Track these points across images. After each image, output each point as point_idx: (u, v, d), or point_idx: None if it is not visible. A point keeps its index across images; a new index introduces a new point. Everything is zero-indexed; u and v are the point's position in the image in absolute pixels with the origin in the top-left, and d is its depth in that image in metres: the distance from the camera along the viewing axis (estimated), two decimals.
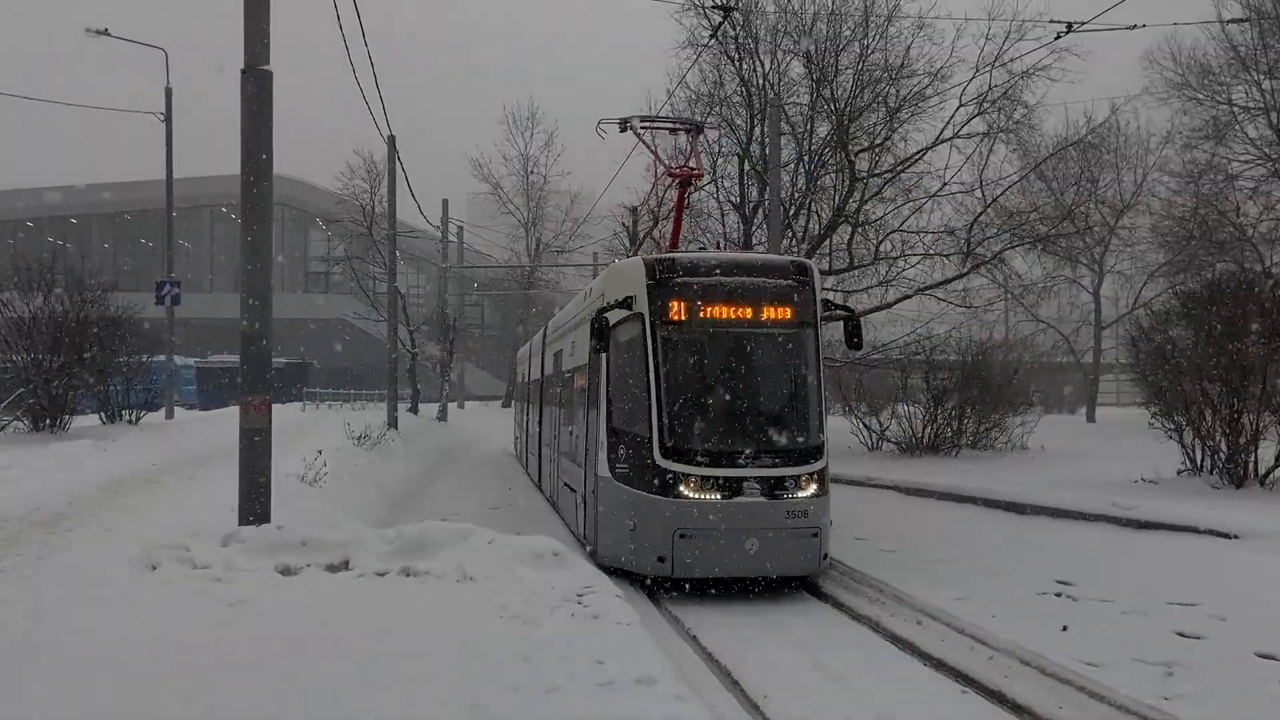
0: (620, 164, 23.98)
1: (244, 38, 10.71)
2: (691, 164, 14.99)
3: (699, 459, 10.31)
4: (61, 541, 10.52)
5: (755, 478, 10.27)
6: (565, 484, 14.28)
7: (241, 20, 10.71)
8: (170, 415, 26.42)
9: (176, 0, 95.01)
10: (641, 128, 14.88)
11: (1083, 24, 17.17)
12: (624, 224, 36.21)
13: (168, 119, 27.63)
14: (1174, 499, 13.76)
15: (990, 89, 25.49)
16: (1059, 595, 9.82)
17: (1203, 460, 15.59)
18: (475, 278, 58.38)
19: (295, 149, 37.21)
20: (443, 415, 39.12)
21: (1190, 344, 16.05)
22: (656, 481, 10.31)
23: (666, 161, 15.58)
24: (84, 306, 20.52)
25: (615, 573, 10.31)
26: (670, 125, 16.79)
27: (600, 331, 10.66)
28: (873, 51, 26.21)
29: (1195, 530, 12.05)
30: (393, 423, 27.11)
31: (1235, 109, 31.30)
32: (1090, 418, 40.52)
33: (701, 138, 32.06)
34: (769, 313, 10.68)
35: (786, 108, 25.98)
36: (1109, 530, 12.97)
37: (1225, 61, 31.24)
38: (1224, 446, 15.18)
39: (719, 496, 10.19)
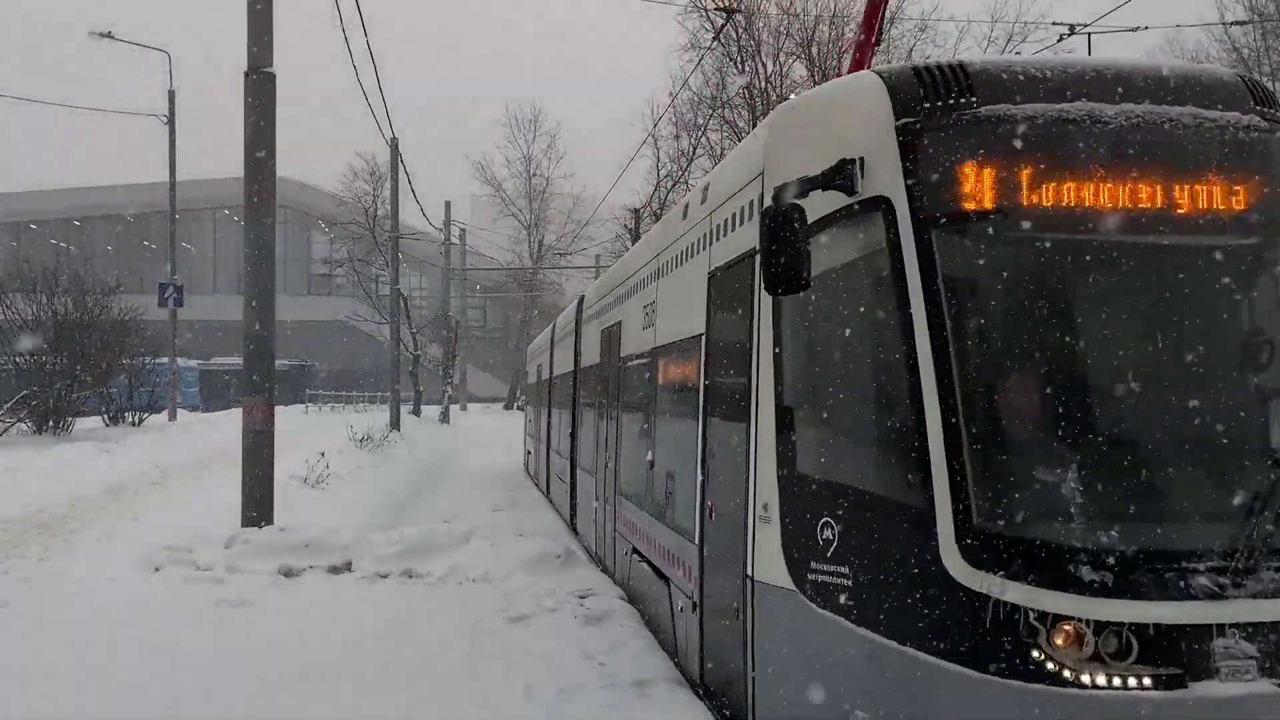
0: (624, 165, 23.97)
1: (247, 40, 10.74)
2: None
3: (1084, 569, 3.82)
4: (64, 544, 10.53)
5: (1245, 627, 3.86)
6: (636, 554, 8.29)
7: (245, 23, 10.74)
8: (173, 417, 26.44)
9: (180, 3, 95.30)
10: None
11: (1085, 26, 17.18)
12: (626, 226, 36.26)
13: (170, 121, 27.69)
14: None
15: None
16: None
17: None
18: (477, 280, 58.42)
19: (298, 151, 37.44)
20: (445, 417, 39.14)
21: None
22: (952, 625, 3.92)
23: None
24: (86, 309, 20.59)
25: None
26: None
27: (777, 246, 4.23)
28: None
29: None
30: (395, 424, 27.12)
31: None
32: None
33: (704, 140, 32.57)
34: (1222, 196, 4.29)
35: None
36: None
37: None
38: None
39: (1149, 682, 3.77)
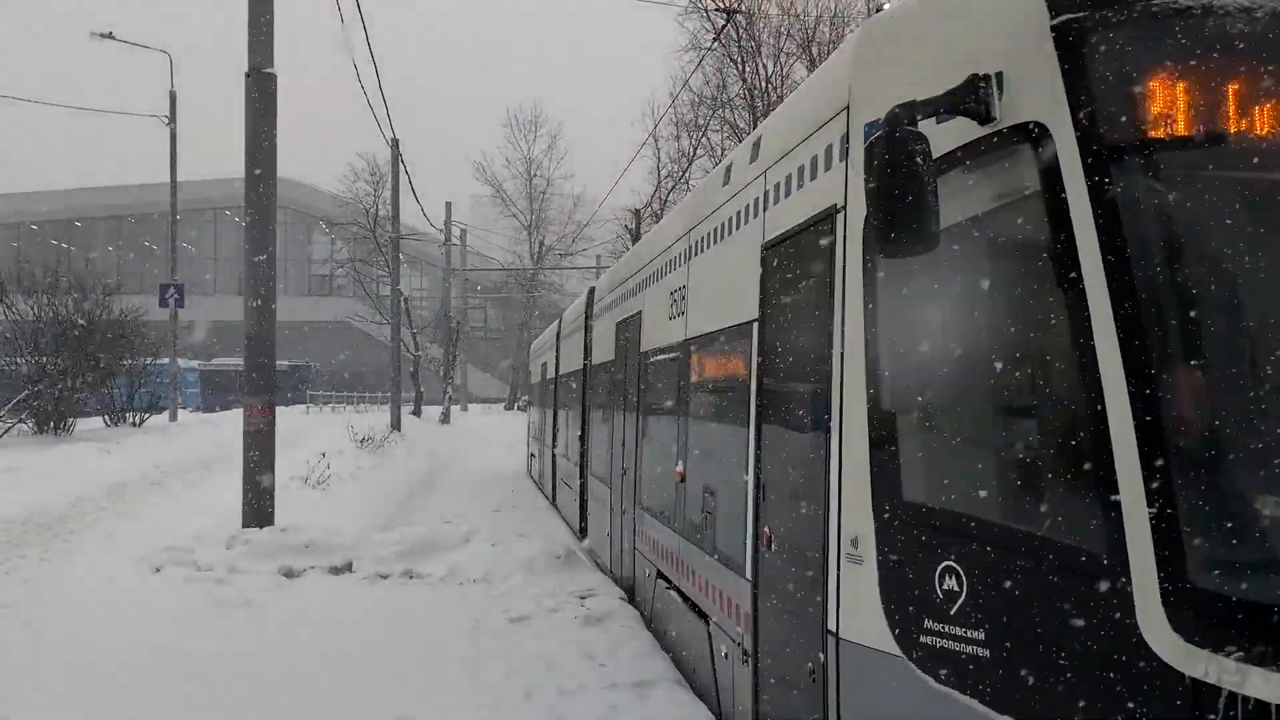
0: (625, 166, 23.97)
1: (248, 41, 10.75)
2: None
3: None
4: (65, 544, 10.54)
5: None
6: (662, 579, 7.29)
7: (245, 24, 10.76)
8: (174, 418, 26.47)
9: (181, 4, 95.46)
10: None
11: None
12: (626, 227, 36.31)
13: (172, 122, 27.72)
14: None
15: None
16: None
17: None
18: (478, 280, 58.49)
19: (299, 152, 37.46)
20: (445, 418, 39.20)
21: None
22: None
23: None
24: (87, 310, 20.66)
25: None
26: None
27: (893, 191, 3.00)
28: None
29: None
30: (396, 425, 27.15)
31: None
32: None
33: (704, 141, 32.65)
34: None
35: None
36: None
37: None
38: None
39: None
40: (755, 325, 5.02)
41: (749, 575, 4.93)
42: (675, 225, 7.57)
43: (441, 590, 8.88)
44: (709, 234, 6.26)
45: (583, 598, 8.39)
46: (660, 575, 7.30)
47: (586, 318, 12.69)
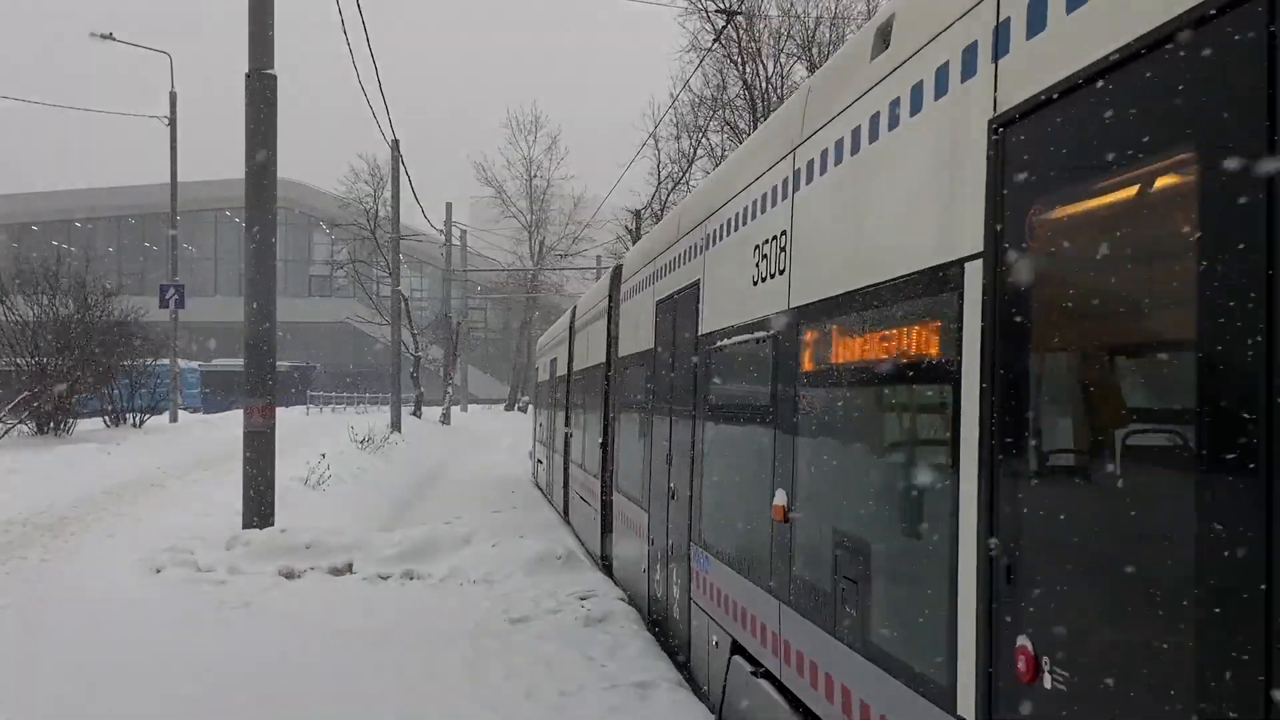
0: (625, 167, 23.95)
1: (248, 42, 10.77)
2: None
3: None
4: (66, 545, 10.54)
5: None
6: (742, 655, 5.20)
7: (246, 25, 10.77)
8: (174, 419, 26.47)
9: (182, 5, 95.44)
10: None
11: None
12: (627, 227, 36.33)
13: (172, 123, 27.71)
14: None
15: None
16: None
17: None
18: (478, 281, 58.51)
19: (299, 153, 37.45)
20: (446, 418, 39.21)
21: None
22: None
23: None
24: (88, 310, 20.69)
25: None
26: None
27: None
28: None
29: None
30: (396, 426, 27.14)
31: None
32: None
33: (704, 142, 32.71)
34: None
35: None
36: None
37: None
38: None
39: None
40: (975, 269, 2.85)
41: (968, 714, 2.82)
42: (758, 152, 5.37)
43: (442, 591, 8.88)
44: (839, 142, 4.01)
45: (583, 598, 8.39)
46: (738, 649, 5.23)
47: (611, 301, 10.35)
